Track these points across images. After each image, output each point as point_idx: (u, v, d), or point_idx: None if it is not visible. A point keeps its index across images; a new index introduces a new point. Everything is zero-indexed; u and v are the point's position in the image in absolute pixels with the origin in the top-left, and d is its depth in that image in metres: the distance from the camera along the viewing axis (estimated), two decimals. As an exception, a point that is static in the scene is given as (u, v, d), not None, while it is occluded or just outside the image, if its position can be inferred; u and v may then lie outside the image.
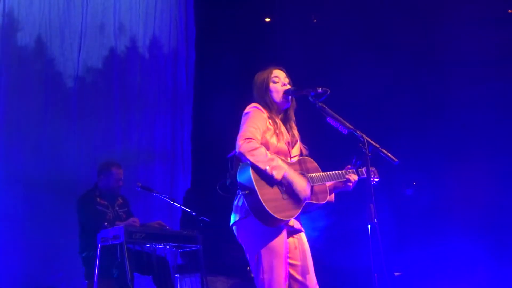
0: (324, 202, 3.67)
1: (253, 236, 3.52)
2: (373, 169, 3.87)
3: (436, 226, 7.16)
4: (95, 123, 7.79)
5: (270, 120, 3.66)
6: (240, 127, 3.60)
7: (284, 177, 3.46)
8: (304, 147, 3.85)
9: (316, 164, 3.76)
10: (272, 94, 3.74)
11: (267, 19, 8.92)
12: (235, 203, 3.62)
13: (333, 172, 3.76)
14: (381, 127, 6.97)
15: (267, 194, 3.41)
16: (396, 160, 3.57)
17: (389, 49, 7.72)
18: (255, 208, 3.40)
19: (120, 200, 6.25)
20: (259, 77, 3.80)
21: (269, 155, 3.47)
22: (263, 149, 3.48)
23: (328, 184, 3.74)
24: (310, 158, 3.76)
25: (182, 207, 6.57)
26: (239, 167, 3.50)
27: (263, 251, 3.46)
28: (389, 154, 3.59)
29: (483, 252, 6.74)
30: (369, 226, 3.35)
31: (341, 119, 3.64)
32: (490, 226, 6.91)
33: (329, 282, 3.74)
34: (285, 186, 3.49)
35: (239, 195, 3.55)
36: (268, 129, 3.62)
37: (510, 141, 7.02)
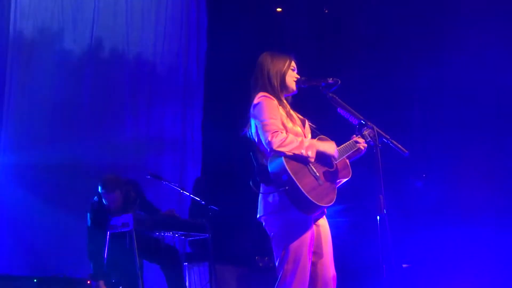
0: (350, 176, 3.67)
1: (282, 229, 3.49)
2: (369, 130, 3.74)
3: (444, 218, 7.14)
4: (106, 111, 7.81)
5: (280, 106, 3.64)
6: (254, 118, 3.58)
7: (317, 152, 3.48)
8: (312, 126, 3.84)
9: (332, 142, 3.70)
10: (287, 78, 3.72)
11: (279, 9, 8.89)
12: (264, 198, 3.56)
13: (345, 144, 3.73)
14: (391, 119, 6.94)
15: (307, 184, 3.40)
16: (406, 151, 3.56)
17: (401, 39, 7.68)
18: (299, 201, 3.40)
19: (132, 194, 6.05)
20: (278, 60, 3.75)
21: (298, 138, 3.48)
22: (291, 136, 3.47)
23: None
24: (325, 136, 3.72)
25: (191, 195, 6.59)
26: (271, 163, 3.47)
27: (291, 244, 3.45)
28: (399, 146, 3.59)
29: (493, 244, 6.72)
30: (378, 218, 3.35)
31: (352, 110, 3.64)
32: (501, 217, 6.88)
33: (336, 273, 3.72)
34: (318, 168, 3.49)
35: (272, 192, 3.49)
36: (281, 115, 3.61)
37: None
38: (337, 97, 3.66)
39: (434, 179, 7.45)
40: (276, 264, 3.53)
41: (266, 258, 6.88)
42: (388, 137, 3.59)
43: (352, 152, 3.72)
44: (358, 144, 3.73)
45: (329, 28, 8.42)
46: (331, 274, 3.60)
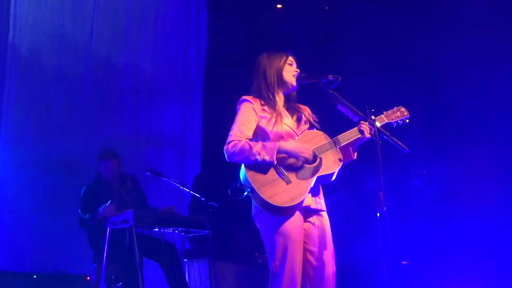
0: (339, 167, 3.58)
1: (267, 225, 3.52)
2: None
3: (444, 215, 7.15)
4: (106, 107, 7.80)
5: (265, 107, 3.65)
6: None
7: (279, 152, 3.45)
8: (315, 119, 3.82)
9: (322, 132, 3.69)
10: (285, 73, 3.73)
11: (279, 6, 8.88)
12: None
13: (344, 133, 3.66)
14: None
15: (267, 188, 3.40)
16: (406, 148, 3.55)
17: (401, 37, 7.68)
18: (263, 205, 3.43)
19: (129, 184, 6.27)
20: (274, 57, 3.77)
21: (252, 143, 3.49)
22: (243, 142, 3.49)
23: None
24: (313, 130, 3.71)
25: (191, 192, 6.58)
26: (240, 169, 3.52)
27: (276, 237, 3.46)
28: (400, 143, 3.58)
29: (493, 241, 6.73)
30: (378, 214, 3.34)
31: (352, 107, 3.64)
32: (501, 213, 6.88)
33: (337, 270, 3.72)
34: (284, 166, 3.47)
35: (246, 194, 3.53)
36: (262, 117, 3.62)
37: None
38: (337, 94, 3.66)
39: (434, 176, 7.46)
40: (260, 261, 3.57)
41: (265, 254, 6.88)
42: (388, 134, 3.58)
43: (354, 139, 3.66)
44: (360, 133, 3.63)
45: (330, 25, 8.41)
46: (331, 270, 3.56)
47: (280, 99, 3.75)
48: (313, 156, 3.55)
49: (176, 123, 8.46)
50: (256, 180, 3.42)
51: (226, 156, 3.53)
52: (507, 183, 6.96)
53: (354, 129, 3.68)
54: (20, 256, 6.81)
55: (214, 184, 7.72)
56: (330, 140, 3.65)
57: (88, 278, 5.78)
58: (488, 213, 6.87)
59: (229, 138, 3.54)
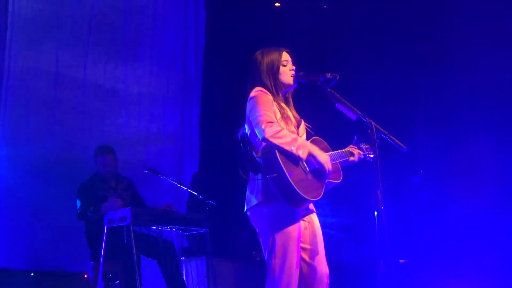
0: (340, 180, 3.69)
1: (268, 221, 3.50)
2: (367, 146, 3.91)
3: (441, 214, 7.15)
4: (105, 105, 7.79)
5: (275, 103, 3.64)
6: (249, 111, 3.57)
7: (309, 154, 3.47)
8: (308, 126, 3.84)
9: (326, 144, 3.77)
10: (281, 76, 3.72)
11: (277, 4, 8.87)
12: (250, 188, 3.60)
13: (341, 151, 3.80)
14: (389, 114, 6.94)
15: (295, 175, 3.40)
16: (404, 146, 3.56)
17: (400, 35, 7.67)
18: (285, 190, 3.38)
19: (125, 183, 6.31)
20: (268, 57, 3.75)
21: (292, 135, 3.48)
22: (285, 130, 3.47)
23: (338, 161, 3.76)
24: (320, 138, 3.76)
25: (189, 190, 6.59)
26: (263, 151, 3.47)
27: (277, 236, 3.45)
28: (397, 141, 3.59)
29: (490, 239, 6.74)
30: (375, 213, 3.34)
31: (350, 105, 3.63)
32: (498, 212, 6.89)
33: (334, 269, 3.72)
34: (309, 165, 3.50)
35: (257, 180, 3.51)
36: (276, 112, 3.60)
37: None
38: (335, 92, 3.66)
39: (432, 175, 7.47)
40: (265, 259, 3.54)
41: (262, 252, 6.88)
42: (386, 133, 3.59)
43: (344, 160, 3.78)
44: (351, 158, 3.82)
45: (328, 23, 8.40)
46: (324, 270, 3.59)
47: (280, 99, 3.74)
48: None
49: (175, 122, 8.45)
50: (287, 165, 3.40)
51: (262, 135, 3.42)
52: (504, 181, 6.97)
53: (346, 149, 3.83)
54: (18, 253, 6.80)
55: (212, 182, 7.74)
56: (333, 152, 3.73)
57: (85, 276, 5.77)
58: (486, 212, 6.88)
59: (265, 118, 3.45)
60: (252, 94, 3.61)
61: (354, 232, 7.30)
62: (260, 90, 3.62)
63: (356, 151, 3.84)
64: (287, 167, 3.38)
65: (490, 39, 7.13)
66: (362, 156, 3.86)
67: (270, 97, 3.61)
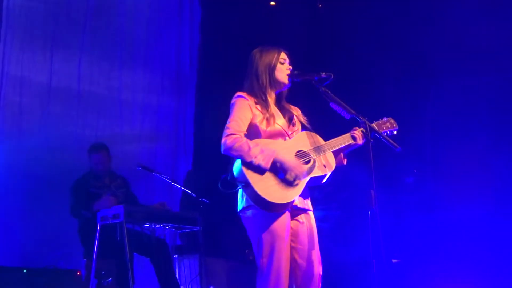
0: (331, 170, 3.61)
1: (255, 221, 3.53)
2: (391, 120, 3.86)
3: (435, 213, 7.17)
4: (99, 102, 7.77)
5: (258, 106, 3.64)
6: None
7: (274, 162, 3.44)
8: (306, 120, 3.83)
9: (318, 137, 3.71)
10: (277, 73, 3.72)
11: (272, 3, 8.87)
12: (239, 193, 3.62)
13: (340, 136, 3.71)
14: (383, 114, 6.94)
15: (262, 183, 3.41)
16: (398, 146, 3.57)
17: (394, 34, 7.68)
18: (255, 199, 3.43)
19: (118, 181, 6.30)
20: (266, 53, 3.76)
21: (251, 144, 3.46)
22: (244, 141, 3.47)
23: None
24: (310, 132, 3.72)
25: (182, 188, 6.58)
26: (233, 161, 3.52)
27: (264, 236, 3.47)
28: (391, 141, 3.60)
29: (483, 239, 6.75)
30: (369, 212, 3.35)
31: (344, 104, 3.64)
32: (491, 213, 6.90)
33: (327, 268, 3.72)
34: (279, 167, 3.47)
35: (239, 187, 3.54)
36: (255, 115, 3.61)
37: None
38: (329, 92, 3.66)
39: (425, 175, 7.48)
40: (250, 257, 3.57)
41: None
42: (381, 132, 3.60)
43: (344, 146, 3.70)
44: (352, 140, 3.70)
45: (323, 22, 8.40)
46: (316, 271, 3.58)
47: (272, 98, 3.75)
48: (307, 157, 3.57)
49: (169, 120, 8.45)
50: (252, 174, 3.42)
51: (222, 148, 3.50)
52: (498, 182, 6.99)
53: (347, 134, 3.72)
54: (10, 250, 6.78)
55: (205, 180, 7.72)
56: (324, 143, 3.67)
57: (78, 273, 5.76)
58: (479, 213, 6.89)
59: (228, 131, 3.51)
60: (232, 100, 3.67)
61: (346, 231, 7.30)
62: (239, 96, 3.66)
63: (357, 134, 3.70)
64: (251, 176, 3.41)
65: (490, 39, 7.13)
66: (363, 136, 3.68)
67: (248, 101, 3.63)
